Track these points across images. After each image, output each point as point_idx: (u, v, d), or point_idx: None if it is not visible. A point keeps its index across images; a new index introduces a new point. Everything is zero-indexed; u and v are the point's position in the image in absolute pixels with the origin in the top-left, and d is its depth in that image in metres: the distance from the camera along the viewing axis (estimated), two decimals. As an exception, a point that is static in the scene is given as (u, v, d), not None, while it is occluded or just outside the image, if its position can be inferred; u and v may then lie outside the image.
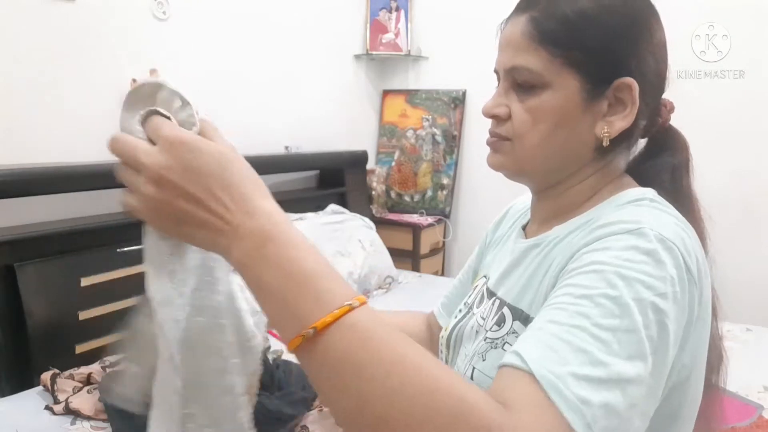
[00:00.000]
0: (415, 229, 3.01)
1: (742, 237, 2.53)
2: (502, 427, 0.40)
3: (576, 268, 0.54)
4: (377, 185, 3.16)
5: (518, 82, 0.64)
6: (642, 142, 0.70)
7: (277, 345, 1.86)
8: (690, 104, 2.45)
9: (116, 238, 1.88)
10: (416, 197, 3.23)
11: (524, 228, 0.77)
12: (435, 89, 3.20)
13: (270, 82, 2.64)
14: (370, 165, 3.16)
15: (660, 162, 0.68)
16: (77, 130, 1.95)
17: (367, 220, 2.67)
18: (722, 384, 0.70)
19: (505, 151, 0.66)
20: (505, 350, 0.62)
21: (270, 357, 1.64)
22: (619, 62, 0.62)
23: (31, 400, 1.48)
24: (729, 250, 2.57)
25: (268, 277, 0.45)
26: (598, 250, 0.54)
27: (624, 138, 0.64)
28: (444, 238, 3.23)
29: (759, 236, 2.54)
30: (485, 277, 0.80)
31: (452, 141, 3.16)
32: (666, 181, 0.67)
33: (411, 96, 3.28)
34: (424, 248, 3.05)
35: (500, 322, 0.65)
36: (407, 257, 2.99)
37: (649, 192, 0.63)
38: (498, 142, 0.67)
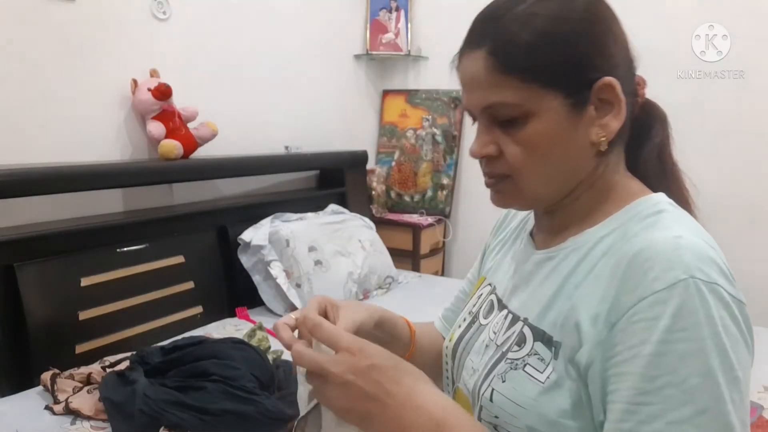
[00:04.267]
0: (415, 229, 3.01)
1: (741, 237, 2.53)
2: None
3: (624, 348, 0.53)
4: (377, 185, 3.16)
5: (499, 118, 0.62)
6: None
7: (276, 345, 1.86)
8: (690, 104, 2.47)
9: (116, 238, 1.89)
10: (416, 197, 3.23)
11: (531, 234, 0.74)
12: (435, 89, 3.20)
13: (270, 82, 2.64)
14: (370, 165, 3.16)
15: (647, 146, 0.67)
16: (77, 130, 1.95)
17: (367, 220, 2.67)
18: None
19: (508, 190, 0.65)
20: (526, 372, 0.61)
21: (270, 357, 1.64)
22: (591, 66, 0.60)
23: (31, 400, 1.48)
24: (728, 250, 2.58)
25: None
26: (644, 320, 0.52)
27: (620, 135, 0.63)
28: (444, 238, 3.23)
29: (759, 236, 2.54)
30: (490, 285, 0.78)
31: (452, 141, 3.16)
32: (655, 164, 0.67)
33: (411, 96, 3.28)
34: (424, 248, 3.05)
35: (521, 342, 0.64)
36: (407, 257, 2.99)
37: (662, 199, 0.62)
38: (498, 182, 0.65)
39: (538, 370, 0.60)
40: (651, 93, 0.70)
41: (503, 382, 0.63)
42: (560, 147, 0.61)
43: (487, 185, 0.67)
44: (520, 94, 0.59)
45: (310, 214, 2.49)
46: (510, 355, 0.64)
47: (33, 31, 1.81)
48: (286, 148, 2.68)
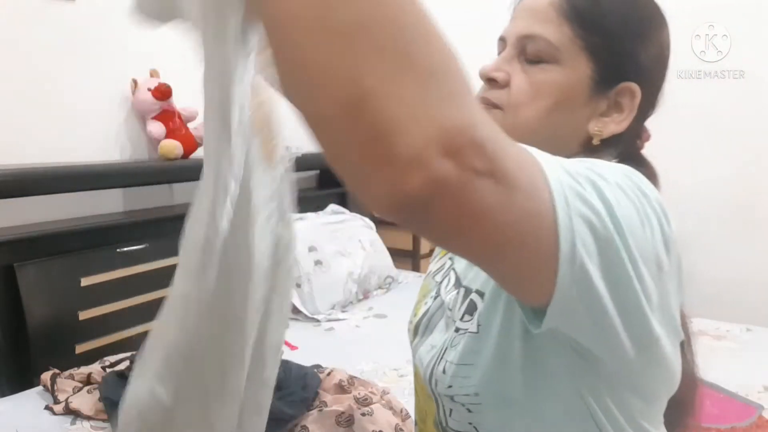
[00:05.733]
0: (415, 229, 3.01)
1: (741, 237, 2.53)
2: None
3: None
4: (377, 185, 3.16)
5: (528, 52, 0.61)
6: None
7: (277, 345, 1.86)
8: (690, 104, 2.47)
9: (116, 238, 1.88)
10: (416, 197, 3.22)
11: None
12: (435, 89, 3.20)
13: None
14: (370, 165, 3.16)
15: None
16: (77, 130, 1.95)
17: (367, 220, 2.67)
18: (698, 372, 0.67)
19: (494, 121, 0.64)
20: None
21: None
22: (632, 62, 0.60)
23: (31, 400, 1.48)
24: (729, 250, 2.58)
25: None
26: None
27: (611, 143, 0.62)
28: (444, 238, 3.23)
29: (759, 236, 2.53)
30: (451, 259, 0.75)
31: (452, 141, 3.15)
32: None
33: (411, 96, 3.27)
34: (424, 248, 3.05)
35: (471, 311, 0.62)
36: (407, 257, 2.99)
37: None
38: (487, 109, 0.62)
39: None
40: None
41: (452, 347, 0.62)
42: (562, 109, 0.60)
43: None
44: (563, 39, 0.59)
45: (310, 214, 2.49)
46: (459, 324, 0.63)
47: (33, 31, 1.80)
48: (287, 148, 2.68)
